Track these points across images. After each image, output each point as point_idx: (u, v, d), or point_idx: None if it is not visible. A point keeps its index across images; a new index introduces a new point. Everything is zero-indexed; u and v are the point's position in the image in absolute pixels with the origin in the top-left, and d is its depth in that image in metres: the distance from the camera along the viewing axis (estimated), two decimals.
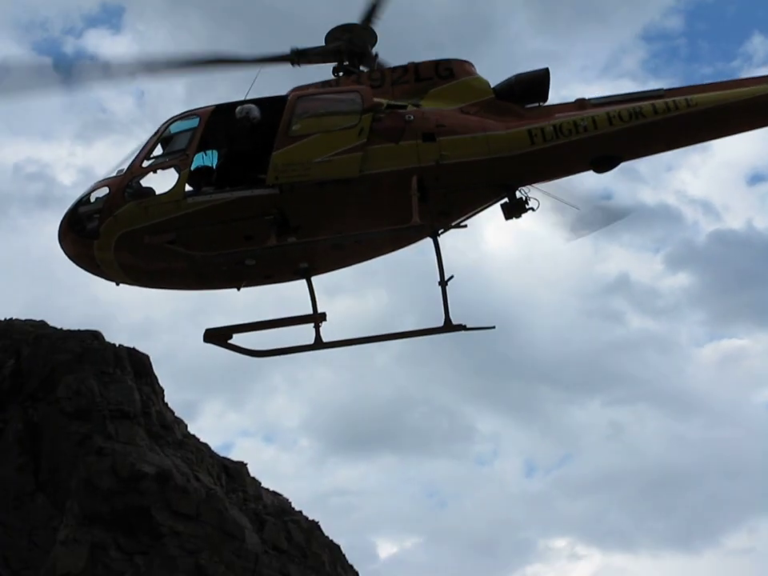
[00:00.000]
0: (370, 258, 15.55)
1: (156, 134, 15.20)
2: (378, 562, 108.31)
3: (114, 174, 15.11)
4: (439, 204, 14.30)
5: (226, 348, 15.04)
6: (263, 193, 14.00)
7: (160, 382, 53.93)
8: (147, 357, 53.65)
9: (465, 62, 15.30)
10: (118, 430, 47.89)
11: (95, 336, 52.14)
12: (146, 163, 14.78)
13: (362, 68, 15.77)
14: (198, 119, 14.96)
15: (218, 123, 15.13)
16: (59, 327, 53.08)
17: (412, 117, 14.33)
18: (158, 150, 15.07)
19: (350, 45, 15.64)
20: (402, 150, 14.00)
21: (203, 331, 14.69)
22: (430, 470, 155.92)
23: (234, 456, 55.28)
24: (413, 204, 13.62)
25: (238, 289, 15.08)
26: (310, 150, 14.09)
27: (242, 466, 52.71)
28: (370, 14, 15.34)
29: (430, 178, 13.94)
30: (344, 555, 50.78)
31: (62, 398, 48.87)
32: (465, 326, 14.57)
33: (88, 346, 51.55)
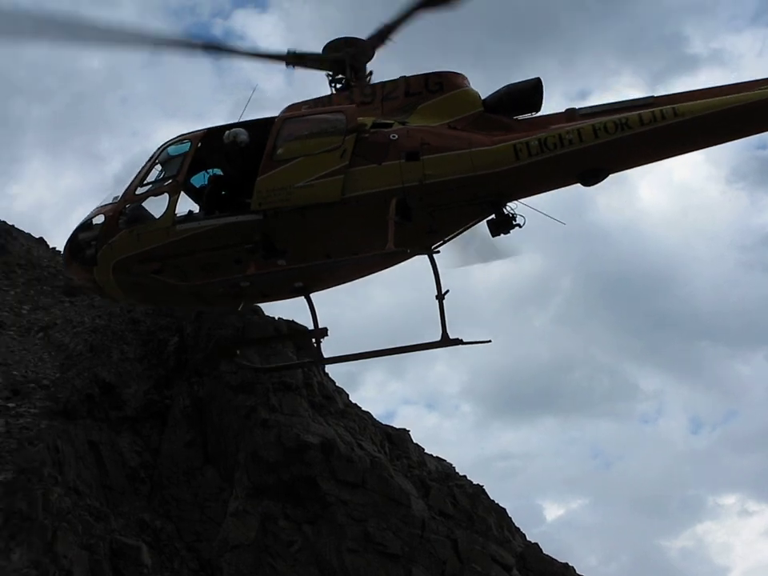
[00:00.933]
0: (365, 276, 15.36)
1: (150, 159, 15.30)
2: (544, 524, 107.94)
3: (111, 201, 15.32)
4: (425, 223, 14.03)
5: (233, 362, 15.64)
6: (248, 219, 13.94)
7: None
8: (307, 328, 54.13)
9: (456, 74, 14.84)
10: (281, 402, 48.66)
11: (254, 311, 53.03)
12: (140, 190, 14.90)
13: (355, 82, 15.50)
14: (189, 144, 15.01)
15: (208, 147, 15.09)
16: None
17: (396, 136, 14.01)
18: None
19: (351, 59, 15.33)
20: (384, 171, 13.76)
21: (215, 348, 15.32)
22: (593, 431, 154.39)
23: (396, 424, 55.62)
24: (389, 229, 13.36)
25: (237, 308, 15.43)
26: (293, 174, 13.96)
27: (404, 432, 52.99)
28: (382, 35, 15.05)
29: (413, 197, 13.65)
30: (510, 518, 50.64)
31: (225, 372, 49.84)
32: (461, 340, 14.48)
33: (248, 320, 52.45)
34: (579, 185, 13.82)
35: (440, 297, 14.59)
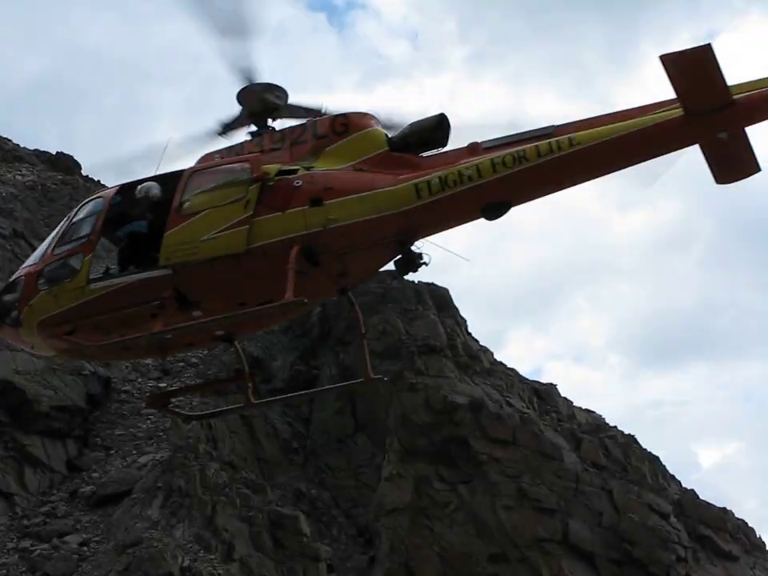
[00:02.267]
0: (283, 320, 15.60)
1: (67, 218, 15.45)
2: (700, 470, 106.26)
3: (32, 261, 15.51)
4: (334, 267, 14.05)
5: (165, 412, 15.73)
6: (159, 274, 14.00)
7: (462, 314, 54.65)
8: (447, 290, 54.42)
9: (362, 114, 14.77)
10: (426, 365, 48.89)
11: (393, 276, 53.32)
12: (57, 250, 15.01)
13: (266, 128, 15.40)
14: (102, 201, 15.11)
15: (121, 204, 15.17)
16: None
17: (300, 182, 14.00)
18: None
19: (260, 104, 15.31)
20: (288, 219, 13.73)
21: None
22: (745, 374, 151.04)
23: (543, 380, 55.36)
24: (289, 278, 13.29)
25: (164, 358, 15.40)
26: (198, 227, 13.98)
27: (552, 387, 52.73)
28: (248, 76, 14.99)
29: (318, 243, 13.66)
30: (665, 466, 50.00)
31: (370, 339, 50.29)
32: (383, 378, 15.09)
33: (388, 285, 52.81)
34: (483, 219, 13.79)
35: (362, 336, 15.28)
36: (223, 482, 41.60)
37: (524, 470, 45.50)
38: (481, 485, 45.19)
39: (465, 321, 54.06)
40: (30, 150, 71.06)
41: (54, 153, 71.46)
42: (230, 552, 39.25)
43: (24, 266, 15.85)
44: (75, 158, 72.35)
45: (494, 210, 13.62)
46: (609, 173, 13.62)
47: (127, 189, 15.25)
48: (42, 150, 71.36)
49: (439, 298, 53.66)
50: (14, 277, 15.69)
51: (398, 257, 14.08)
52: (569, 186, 13.78)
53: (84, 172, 67.58)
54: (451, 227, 14.25)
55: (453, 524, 44.42)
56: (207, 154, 15.26)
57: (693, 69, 12.18)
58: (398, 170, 13.89)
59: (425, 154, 14.22)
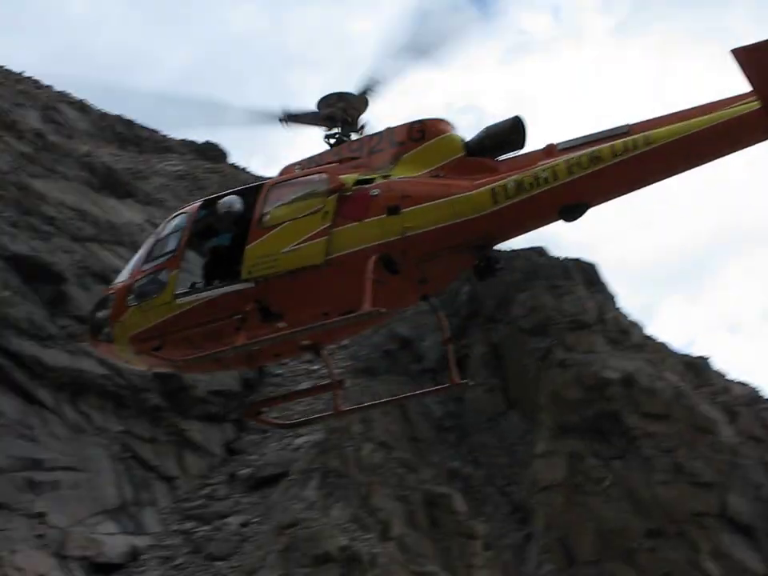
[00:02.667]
0: (365, 329, 15.95)
1: (154, 234, 15.77)
2: None
3: (122, 278, 15.83)
4: (414, 274, 13.92)
5: (258, 422, 16.28)
6: (241, 287, 14.12)
7: (612, 288, 54.12)
8: (595, 265, 53.94)
9: (438, 120, 14.55)
10: (576, 341, 48.60)
11: (540, 252, 53.13)
12: (145, 266, 15.26)
13: (346, 137, 15.32)
14: (186, 217, 15.31)
15: (205, 218, 15.35)
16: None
17: (377, 191, 13.92)
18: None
19: (343, 113, 15.24)
20: (365, 228, 13.71)
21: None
22: None
23: (696, 353, 54.38)
24: (366, 288, 13.24)
25: (252, 369, 15.11)
26: (278, 240, 14.08)
27: (705, 360, 51.80)
28: (369, 89, 14.93)
29: (396, 252, 13.60)
30: None
31: (518, 316, 50.27)
32: (468, 382, 15.23)
33: (535, 262, 52.62)
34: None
35: (446, 341, 15.12)
36: (377, 463, 42.15)
37: (679, 444, 44.89)
38: (635, 460, 44.77)
39: (614, 295, 53.56)
40: (178, 140, 72.82)
41: (202, 142, 73.04)
42: (386, 531, 39.78)
43: (114, 282, 16.23)
44: (222, 146, 73.88)
45: (572, 212, 13.47)
46: (686, 170, 13.37)
47: (211, 203, 15.50)
48: (189, 140, 73.04)
49: (587, 273, 53.20)
50: (103, 294, 16.11)
51: (476, 262, 14.01)
52: (646, 185, 13.55)
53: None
54: (529, 230, 14.22)
55: (608, 499, 44.11)
56: (288, 166, 15.38)
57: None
58: (475, 174, 13.77)
59: (502, 158, 14.07)
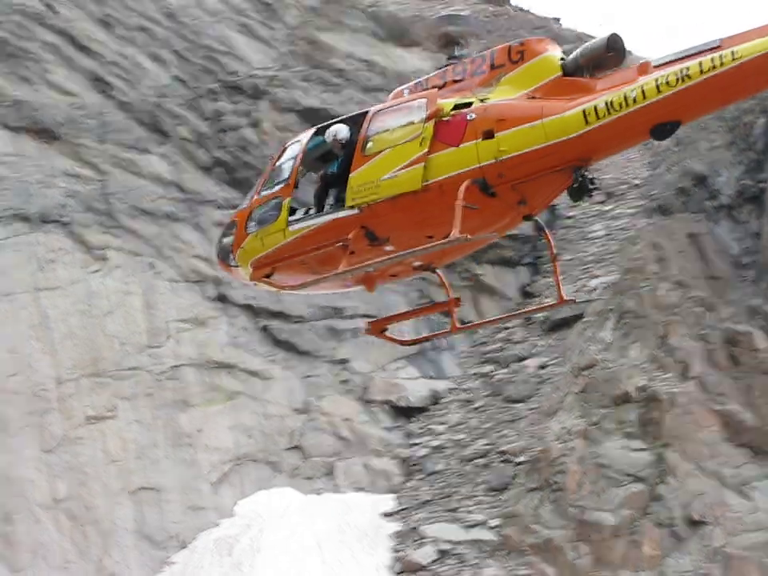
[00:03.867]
0: (481, 246, 15.67)
1: (270, 161, 16.01)
2: None
3: (244, 204, 16.21)
4: (512, 196, 13.73)
5: (382, 338, 16.17)
6: (347, 214, 14.36)
7: None
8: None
9: (538, 40, 14.03)
10: None
11: None
12: (262, 193, 15.55)
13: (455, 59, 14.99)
14: (298, 145, 15.49)
15: (316, 147, 15.48)
16: None
17: (474, 115, 13.73)
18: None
19: (455, 36, 15.00)
20: (461, 153, 13.61)
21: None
22: None
23: None
24: (456, 215, 13.20)
25: (370, 289, 15.53)
26: (378, 167, 14.11)
27: None
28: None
29: (492, 175, 13.43)
30: None
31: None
32: (575, 300, 15.47)
33: None
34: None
35: (554, 259, 15.75)
36: (674, 302, 41.59)
37: None
38: None
39: None
40: None
41: None
42: (685, 371, 39.46)
43: (240, 207, 16.66)
44: None
45: (664, 131, 13.10)
46: None
47: (321, 131, 15.68)
48: None
49: None
50: (230, 219, 16.59)
51: (571, 183, 13.68)
52: (735, 100, 13.48)
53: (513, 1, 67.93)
54: (623, 149, 14.24)
55: None
56: (398, 90, 15.41)
57: None
58: (571, 95, 13.44)
59: (598, 76, 13.65)
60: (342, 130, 15.29)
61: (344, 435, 42.65)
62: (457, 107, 14.27)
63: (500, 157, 13.60)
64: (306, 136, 15.97)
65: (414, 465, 42.72)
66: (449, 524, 40.73)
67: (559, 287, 15.54)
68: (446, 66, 15.27)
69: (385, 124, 14.72)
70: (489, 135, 13.72)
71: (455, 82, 14.79)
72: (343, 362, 41.91)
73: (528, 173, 13.71)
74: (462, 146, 13.87)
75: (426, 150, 13.99)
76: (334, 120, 15.94)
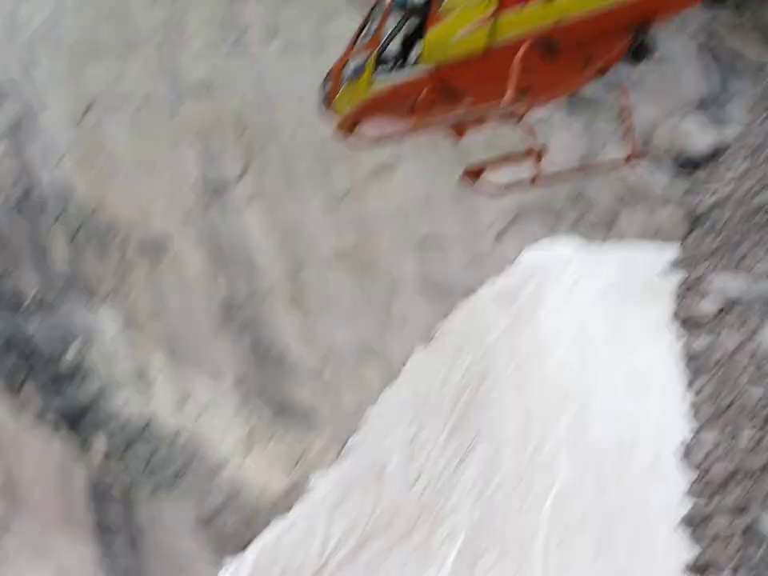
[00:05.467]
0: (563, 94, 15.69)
1: (362, 16, 16.25)
2: None
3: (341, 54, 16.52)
4: (577, 55, 13.90)
5: (475, 187, 16.45)
6: (424, 69, 14.78)
7: None
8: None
9: None
10: None
11: None
12: (355, 45, 16.24)
13: None
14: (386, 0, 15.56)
15: (401, 3, 15.71)
16: None
17: None
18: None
19: None
20: (525, 15, 13.85)
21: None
22: None
23: None
24: (511, 78, 13.58)
25: (458, 138, 16.03)
26: (451, 26, 14.45)
27: None
28: None
29: (555, 36, 13.61)
30: None
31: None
32: (648, 151, 12.92)
33: None
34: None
35: (627, 117, 16.17)
36: None
37: None
38: None
39: None
40: None
41: None
42: None
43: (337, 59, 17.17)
44: None
45: None
46: None
47: None
48: None
49: None
50: (331, 67, 17.09)
51: (630, 44, 13.71)
52: None
53: None
54: (681, 11, 13.82)
55: None
56: None
57: None
58: None
59: None
60: None
61: (627, 184, 41.80)
62: None
63: (562, 18, 13.80)
64: None
65: (699, 215, 41.46)
66: (734, 275, 39.67)
67: (634, 141, 16.31)
68: None
69: None
70: None
71: None
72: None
73: (590, 34, 13.86)
74: (527, 6, 14.11)
75: (493, 9, 14.31)
76: None
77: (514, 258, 43.43)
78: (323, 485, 38.17)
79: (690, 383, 40.18)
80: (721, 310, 41.24)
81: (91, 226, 38.66)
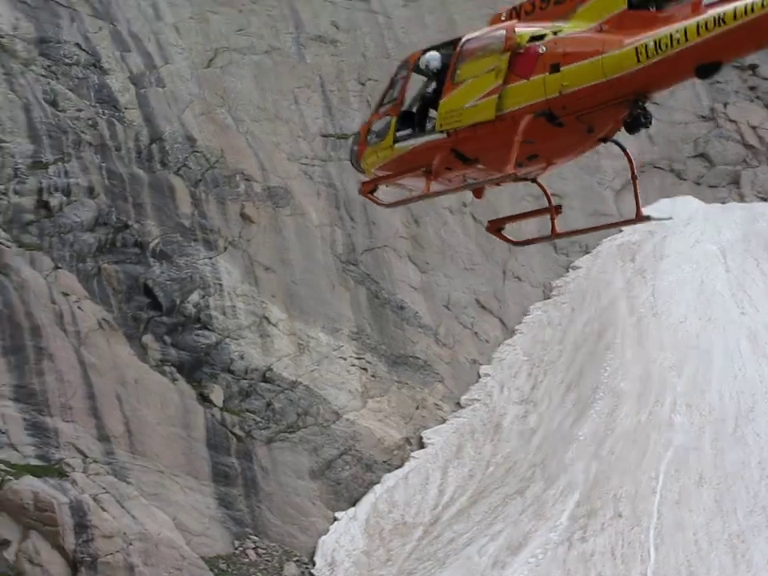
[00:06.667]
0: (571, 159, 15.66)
1: (390, 78, 16.76)
2: None
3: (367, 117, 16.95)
4: (579, 126, 14.29)
5: (497, 236, 16.54)
6: (437, 137, 15.33)
7: None
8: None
9: None
10: None
11: None
12: (380, 109, 16.57)
13: None
14: (407, 66, 16.26)
15: (418, 70, 16.18)
16: None
17: (544, 48, 14.31)
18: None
19: None
20: (531, 86, 14.26)
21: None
22: None
23: None
24: (512, 150, 14.09)
25: (478, 197, 16.00)
26: (462, 96, 15.01)
27: None
28: None
29: (557, 108, 14.14)
30: None
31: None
32: (650, 216, 15.07)
33: None
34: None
35: (634, 178, 15.10)
36: None
37: None
38: None
39: None
40: None
41: None
42: None
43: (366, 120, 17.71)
44: None
45: (707, 70, 13.58)
46: None
47: (427, 53, 16.12)
48: None
49: None
50: (358, 130, 17.49)
51: (626, 116, 14.09)
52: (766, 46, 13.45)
53: None
54: (672, 85, 14.23)
55: None
56: (496, 14, 15.95)
57: None
58: (633, 29, 13.89)
59: (664, 9, 13.89)
60: (433, 59, 16.11)
61: (751, 143, 41.02)
62: (533, 39, 14.83)
63: (563, 91, 14.25)
64: (414, 57, 16.64)
65: None
66: None
67: (638, 203, 15.84)
68: None
69: (471, 54, 15.53)
70: (555, 69, 14.37)
71: (542, 9, 15.33)
72: (752, 67, 39.75)
73: (589, 105, 14.33)
74: (531, 78, 14.55)
75: (501, 81, 14.73)
76: (437, 44, 16.62)
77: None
78: (438, 439, 38.28)
79: None
80: None
81: (212, 177, 39.08)
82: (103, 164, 37.54)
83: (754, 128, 41.27)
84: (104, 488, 32.50)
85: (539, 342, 41.09)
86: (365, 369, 38.89)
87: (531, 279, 42.50)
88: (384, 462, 37.48)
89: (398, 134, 16.43)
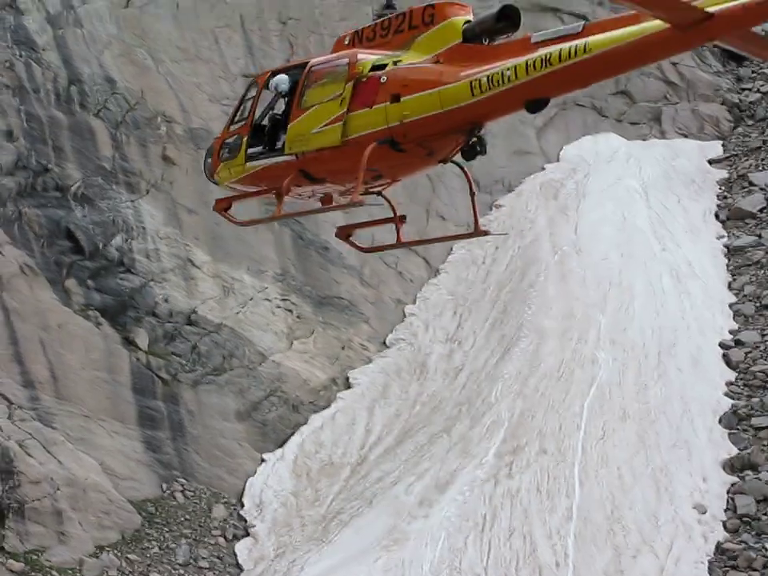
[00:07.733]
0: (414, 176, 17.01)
1: (241, 95, 17.34)
2: None
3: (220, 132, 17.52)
4: (419, 151, 15.12)
5: (346, 243, 17.62)
6: (286, 158, 15.95)
7: None
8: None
9: (448, 3, 15.03)
10: None
11: None
12: (232, 127, 17.10)
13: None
14: (257, 85, 16.78)
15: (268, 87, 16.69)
16: None
17: (385, 78, 14.99)
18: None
19: None
20: (373, 115, 15.00)
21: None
22: None
23: None
24: (358, 178, 14.77)
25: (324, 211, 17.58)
26: (310, 121, 15.65)
27: None
28: None
29: (399, 135, 14.89)
30: None
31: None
32: (489, 231, 17.87)
33: None
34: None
35: (472, 195, 16.79)
36: None
37: None
38: None
39: None
40: None
41: None
42: None
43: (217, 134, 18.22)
44: None
45: (535, 105, 14.39)
46: (621, 73, 14.70)
47: (275, 74, 16.77)
48: None
49: None
50: (212, 143, 18.11)
51: (463, 144, 14.88)
52: (594, 83, 14.58)
53: None
54: (504, 116, 15.06)
55: None
56: (341, 37, 16.48)
57: None
58: (467, 62, 14.57)
59: (496, 43, 14.64)
60: (282, 83, 16.63)
61: (671, 79, 41.34)
62: (375, 68, 15.39)
63: (404, 120, 14.90)
64: (263, 78, 17.16)
65: (744, 110, 40.99)
66: None
67: (476, 220, 17.16)
68: (380, 15, 16.18)
69: (317, 80, 16.12)
70: (396, 99, 14.99)
71: (382, 36, 15.84)
72: None
73: (428, 133, 14.97)
74: (374, 107, 15.19)
75: (345, 110, 15.39)
76: (286, 65, 17.69)
77: (557, 152, 43.19)
78: (364, 379, 38.45)
79: (731, 282, 40.04)
80: (764, 208, 40.92)
81: (132, 119, 38.54)
82: (21, 107, 36.79)
83: (674, 64, 41.56)
84: (30, 434, 32.23)
85: (463, 280, 41.31)
86: (290, 310, 38.86)
87: (455, 218, 42.60)
88: (310, 402, 37.59)
89: (250, 151, 16.87)
